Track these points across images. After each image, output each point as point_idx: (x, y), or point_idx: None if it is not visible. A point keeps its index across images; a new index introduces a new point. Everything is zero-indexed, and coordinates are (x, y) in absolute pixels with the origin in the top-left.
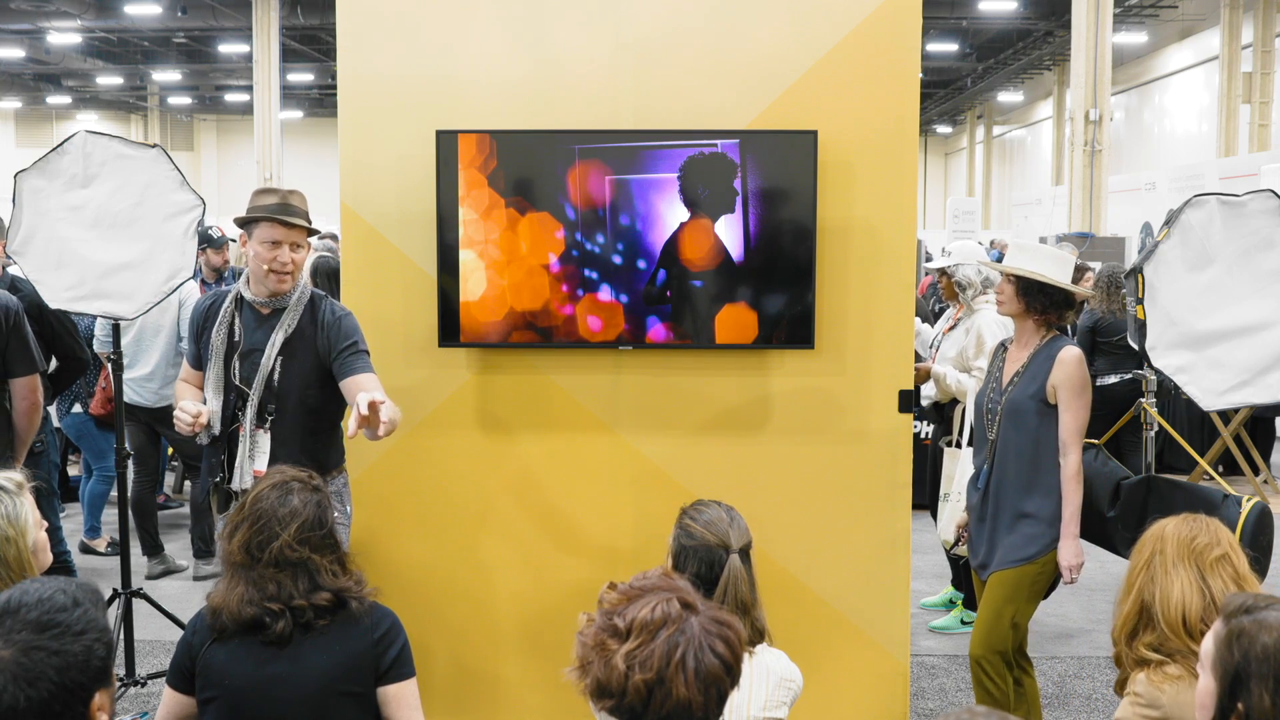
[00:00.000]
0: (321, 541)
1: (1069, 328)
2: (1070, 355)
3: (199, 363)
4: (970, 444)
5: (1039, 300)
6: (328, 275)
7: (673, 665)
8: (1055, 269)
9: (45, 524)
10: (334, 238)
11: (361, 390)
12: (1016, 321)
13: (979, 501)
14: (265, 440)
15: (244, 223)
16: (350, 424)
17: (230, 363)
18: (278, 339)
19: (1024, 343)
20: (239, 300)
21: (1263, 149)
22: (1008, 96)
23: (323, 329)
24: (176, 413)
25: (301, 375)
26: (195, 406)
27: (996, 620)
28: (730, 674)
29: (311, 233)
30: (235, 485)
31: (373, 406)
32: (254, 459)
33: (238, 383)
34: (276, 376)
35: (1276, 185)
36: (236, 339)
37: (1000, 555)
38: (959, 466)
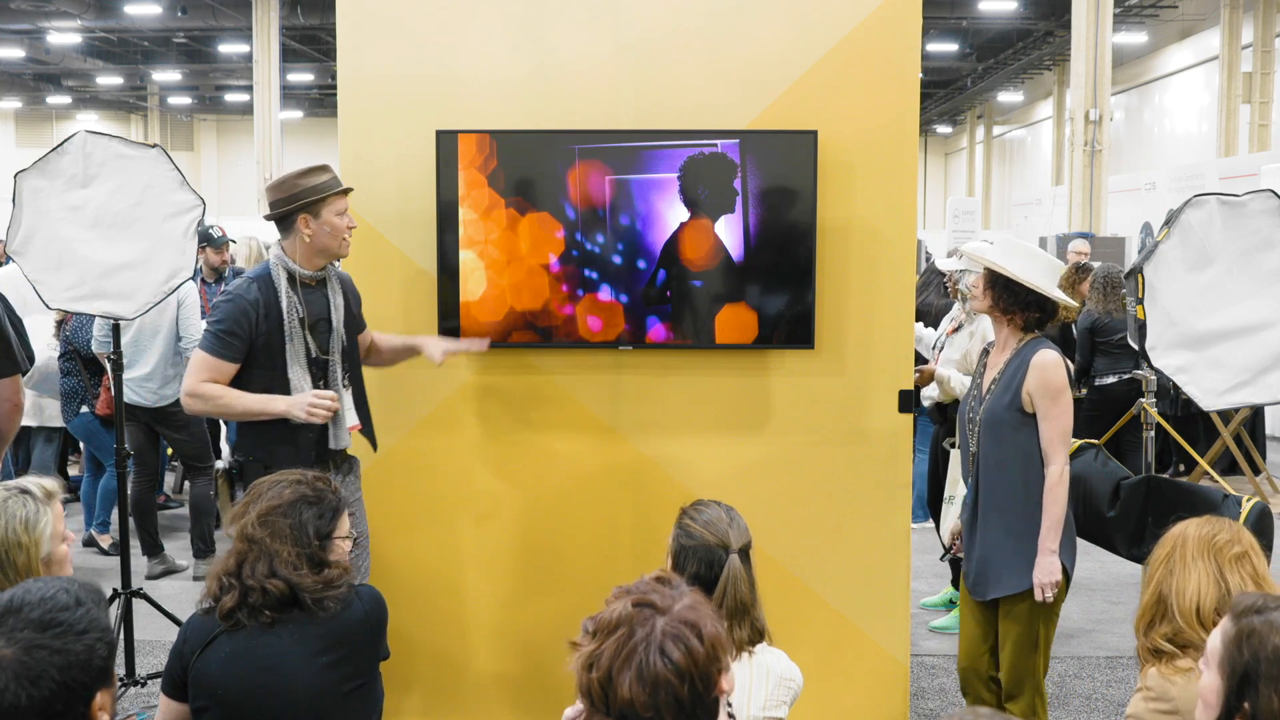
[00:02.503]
0: (287, 530)
1: (1071, 328)
2: (1045, 359)
3: (242, 356)
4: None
5: (1004, 298)
6: None
7: (618, 664)
8: (1030, 269)
9: (70, 538)
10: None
11: (378, 339)
12: (993, 322)
13: (969, 517)
14: (349, 397)
15: (308, 204)
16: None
17: (306, 336)
18: (339, 303)
19: (1002, 346)
20: (291, 278)
21: (1263, 149)
22: (1008, 96)
23: (352, 291)
24: (311, 405)
25: (353, 334)
26: (326, 392)
27: (1031, 650)
28: (685, 679)
29: None
30: (333, 445)
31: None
32: (345, 418)
33: (314, 354)
34: (344, 339)
35: (1276, 185)
36: (303, 315)
37: (1010, 579)
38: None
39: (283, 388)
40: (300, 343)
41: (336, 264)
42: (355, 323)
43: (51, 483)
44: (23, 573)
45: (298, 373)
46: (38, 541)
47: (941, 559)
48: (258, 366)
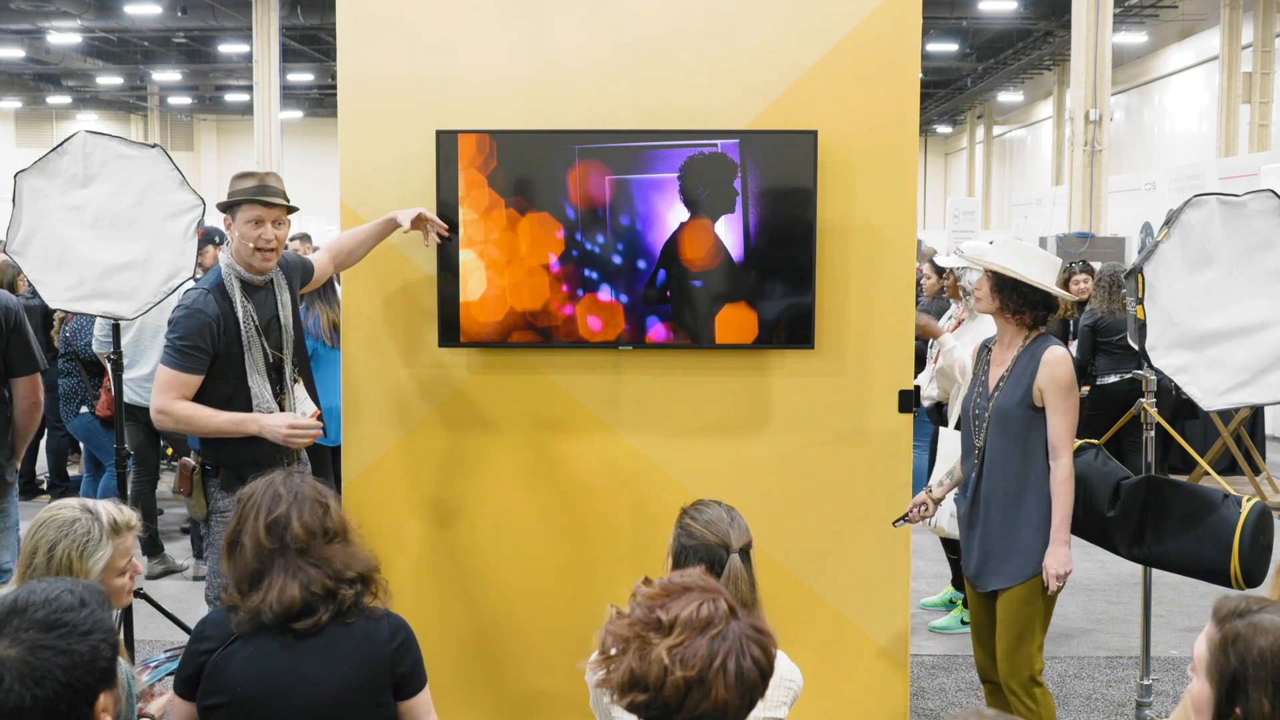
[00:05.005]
0: (349, 524)
1: (1070, 325)
2: (1055, 356)
3: (205, 368)
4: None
5: (1013, 298)
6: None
7: (714, 667)
8: (1033, 268)
9: (137, 571)
10: (306, 238)
11: (342, 242)
12: (996, 321)
13: (968, 510)
14: (301, 389)
15: (226, 207)
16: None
17: (263, 343)
18: (285, 299)
19: (1007, 344)
20: (243, 283)
21: (1263, 149)
22: (1008, 96)
23: (294, 271)
24: (289, 433)
25: (299, 323)
26: (307, 421)
27: (1020, 642)
28: (765, 682)
29: (290, 210)
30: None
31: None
32: (297, 410)
33: (271, 358)
34: (293, 332)
35: (1276, 185)
36: (257, 321)
37: (1007, 571)
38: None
39: (244, 397)
40: (259, 350)
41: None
42: (300, 313)
43: (129, 515)
44: None
45: (258, 381)
46: (88, 571)
47: (894, 524)
48: (217, 377)
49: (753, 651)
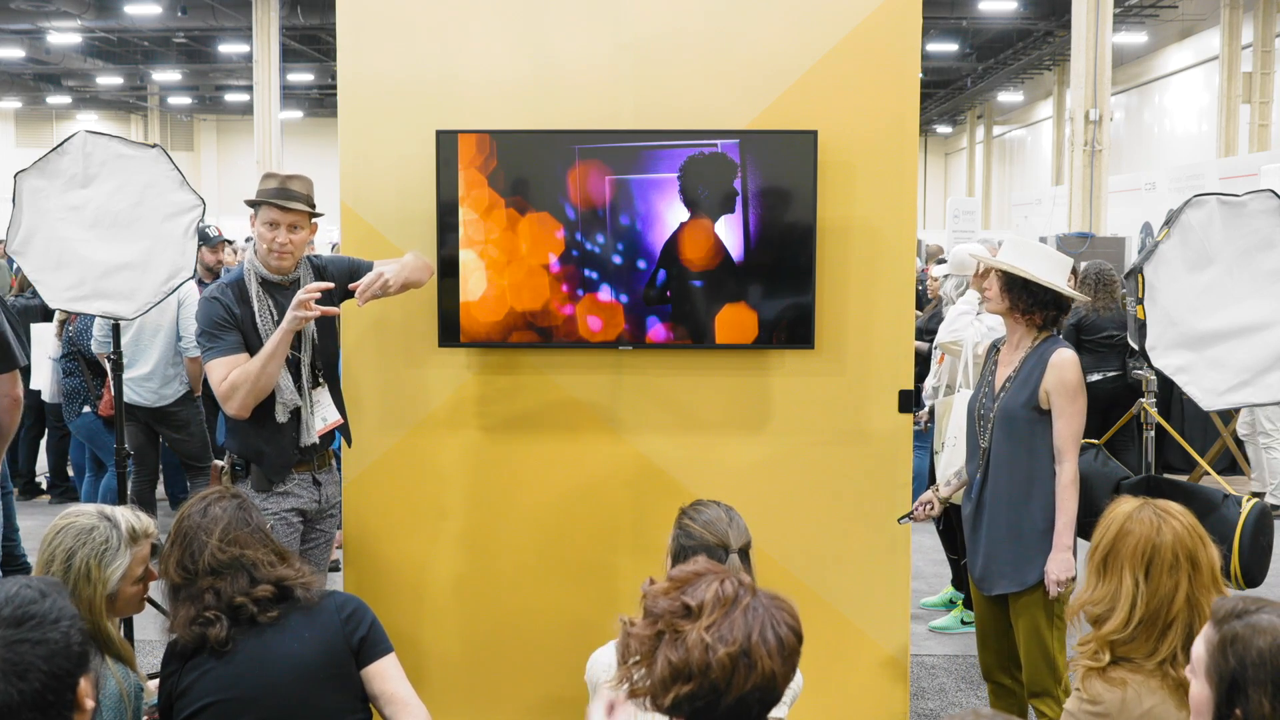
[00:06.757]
0: (250, 537)
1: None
2: (1063, 359)
3: (243, 342)
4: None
5: (1023, 299)
6: None
7: (754, 639)
8: (1044, 268)
9: (153, 577)
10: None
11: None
12: (1005, 321)
13: (972, 511)
14: (324, 394)
15: (253, 205)
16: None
17: None
18: None
19: (1015, 344)
20: (260, 280)
21: (1263, 149)
22: (1008, 96)
23: (333, 275)
24: (300, 309)
25: (327, 330)
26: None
27: (1043, 649)
28: (800, 647)
29: (314, 215)
30: (303, 441)
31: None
32: (316, 415)
33: (290, 355)
34: (315, 336)
35: (1276, 185)
36: (276, 317)
37: (1012, 576)
38: (952, 414)
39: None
40: None
41: (318, 257)
42: (329, 318)
43: (147, 523)
44: (84, 606)
45: (281, 376)
46: (106, 580)
47: (899, 520)
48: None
49: (784, 619)
